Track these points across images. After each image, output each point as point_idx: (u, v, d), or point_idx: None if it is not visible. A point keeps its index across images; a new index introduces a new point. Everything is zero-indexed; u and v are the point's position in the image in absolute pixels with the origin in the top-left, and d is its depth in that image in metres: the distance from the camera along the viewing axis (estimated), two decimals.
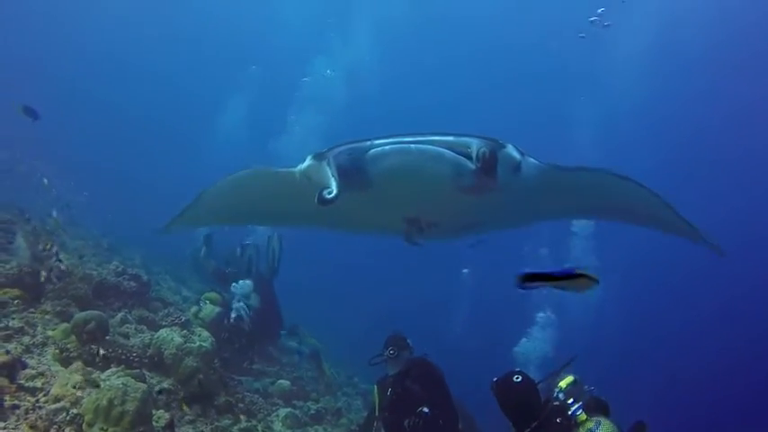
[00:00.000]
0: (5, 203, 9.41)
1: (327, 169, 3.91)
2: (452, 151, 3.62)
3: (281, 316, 9.52)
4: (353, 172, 3.76)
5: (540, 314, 11.40)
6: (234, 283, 8.60)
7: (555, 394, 3.66)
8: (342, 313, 18.24)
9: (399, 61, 26.47)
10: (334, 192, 3.70)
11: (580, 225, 13.66)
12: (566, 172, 4.42)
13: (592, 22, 15.85)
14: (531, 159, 4.23)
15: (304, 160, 4.34)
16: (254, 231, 10.19)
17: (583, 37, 17.09)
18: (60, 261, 6.99)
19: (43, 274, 6.44)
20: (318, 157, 4.11)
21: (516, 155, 4.04)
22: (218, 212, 5.67)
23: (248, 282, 8.62)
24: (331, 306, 18.43)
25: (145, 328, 6.87)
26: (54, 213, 9.52)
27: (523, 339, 10.96)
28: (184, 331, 6.34)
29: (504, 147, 3.94)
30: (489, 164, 3.69)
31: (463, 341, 15.87)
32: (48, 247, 6.98)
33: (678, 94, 24.97)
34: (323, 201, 3.67)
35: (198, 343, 6.01)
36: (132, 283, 7.89)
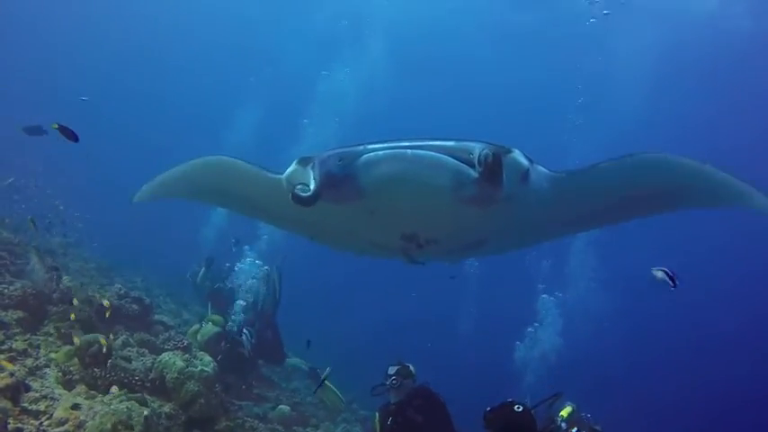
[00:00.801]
0: (13, 224, 9.47)
1: (310, 173, 3.62)
2: (452, 157, 3.30)
3: (282, 348, 9.47)
4: (342, 179, 3.42)
5: (533, 326, 11.34)
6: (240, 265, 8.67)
7: (558, 423, 3.69)
8: (337, 329, 18.03)
9: (411, 68, 26.29)
10: (311, 191, 3.45)
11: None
12: (581, 176, 3.98)
13: (591, 2, 16.07)
14: (541, 168, 3.87)
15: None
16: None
17: (593, 21, 17.10)
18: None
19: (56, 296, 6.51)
20: (304, 161, 3.78)
21: (524, 161, 3.67)
22: (188, 190, 5.26)
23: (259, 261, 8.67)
24: (325, 322, 18.23)
25: (146, 351, 6.87)
26: (59, 236, 9.59)
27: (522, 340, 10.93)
28: (186, 355, 6.35)
29: (510, 152, 3.58)
30: (493, 171, 3.33)
31: (464, 355, 15.77)
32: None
33: (684, 101, 24.93)
34: (297, 199, 3.44)
35: (200, 367, 6.02)
36: (134, 307, 7.94)
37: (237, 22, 27.99)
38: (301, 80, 19.29)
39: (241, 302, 8.76)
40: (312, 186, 3.48)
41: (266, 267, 9.65)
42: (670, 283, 4.05)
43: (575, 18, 19.50)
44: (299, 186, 3.49)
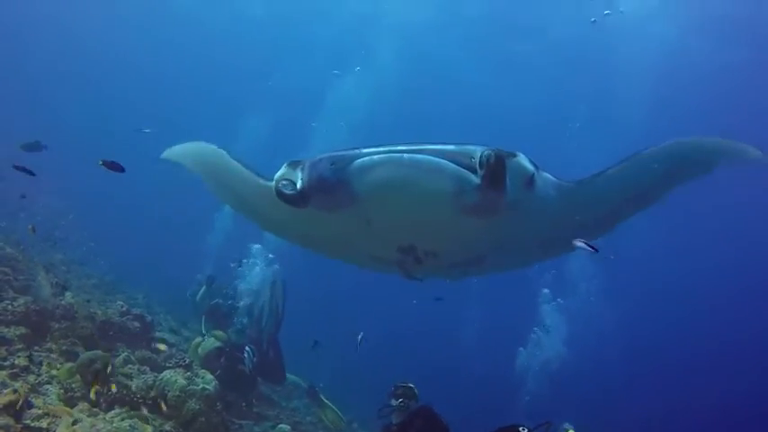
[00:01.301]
0: (16, 239, 9.50)
1: (299, 174, 3.41)
2: (453, 162, 3.05)
3: (283, 368, 9.41)
4: (334, 184, 3.18)
5: (534, 330, 11.29)
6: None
7: None
8: (338, 340, 17.89)
9: (420, 74, 26.42)
10: (296, 189, 3.29)
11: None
12: (588, 184, 3.75)
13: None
14: (547, 174, 3.63)
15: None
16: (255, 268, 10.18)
17: (594, 21, 17.45)
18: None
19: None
20: (294, 164, 3.57)
21: (529, 166, 3.43)
22: (191, 163, 5.21)
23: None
24: (327, 332, 18.03)
25: (147, 369, 6.85)
26: (60, 253, 9.63)
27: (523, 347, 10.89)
28: (188, 373, 6.33)
29: (514, 156, 3.33)
30: (496, 175, 3.08)
31: (466, 365, 15.62)
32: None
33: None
34: (280, 195, 3.30)
35: (201, 385, 6.00)
36: (136, 324, 7.93)
37: (243, 27, 28.19)
38: (311, 85, 19.41)
39: (243, 306, 8.75)
40: (298, 183, 3.31)
41: (276, 265, 9.61)
42: (590, 249, 4.13)
43: (569, 43, 19.77)
44: (283, 182, 3.34)
